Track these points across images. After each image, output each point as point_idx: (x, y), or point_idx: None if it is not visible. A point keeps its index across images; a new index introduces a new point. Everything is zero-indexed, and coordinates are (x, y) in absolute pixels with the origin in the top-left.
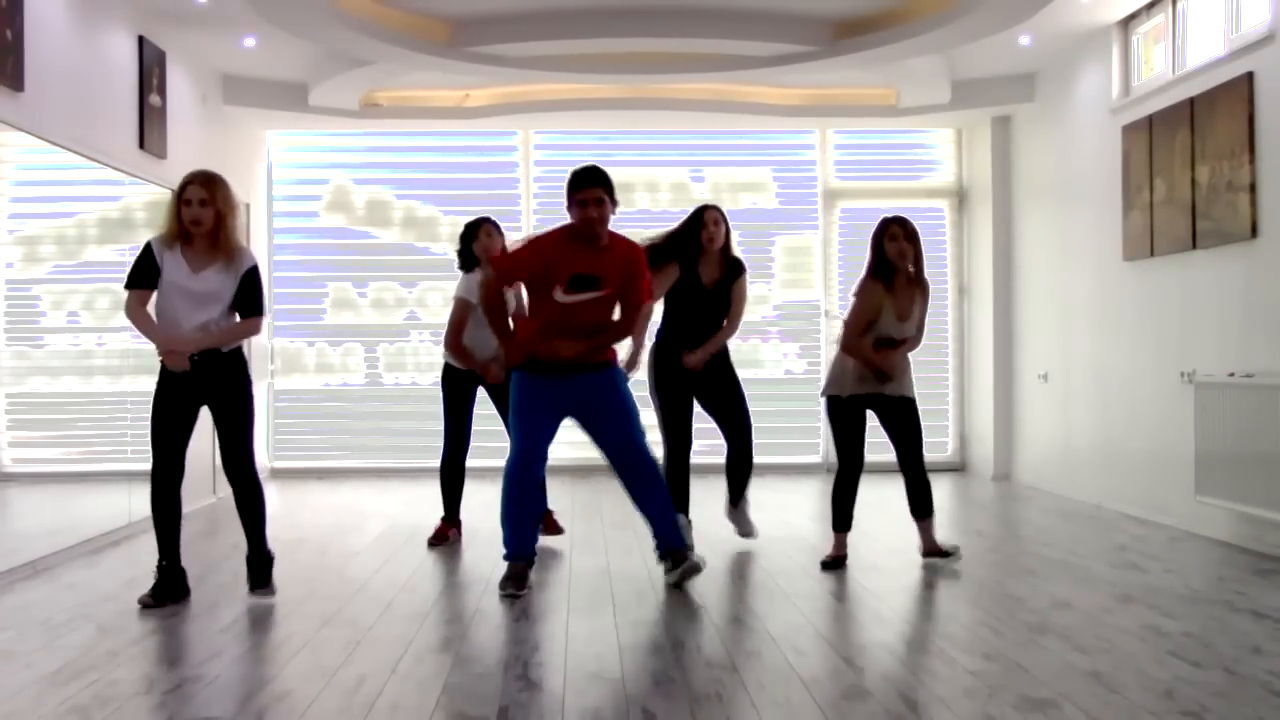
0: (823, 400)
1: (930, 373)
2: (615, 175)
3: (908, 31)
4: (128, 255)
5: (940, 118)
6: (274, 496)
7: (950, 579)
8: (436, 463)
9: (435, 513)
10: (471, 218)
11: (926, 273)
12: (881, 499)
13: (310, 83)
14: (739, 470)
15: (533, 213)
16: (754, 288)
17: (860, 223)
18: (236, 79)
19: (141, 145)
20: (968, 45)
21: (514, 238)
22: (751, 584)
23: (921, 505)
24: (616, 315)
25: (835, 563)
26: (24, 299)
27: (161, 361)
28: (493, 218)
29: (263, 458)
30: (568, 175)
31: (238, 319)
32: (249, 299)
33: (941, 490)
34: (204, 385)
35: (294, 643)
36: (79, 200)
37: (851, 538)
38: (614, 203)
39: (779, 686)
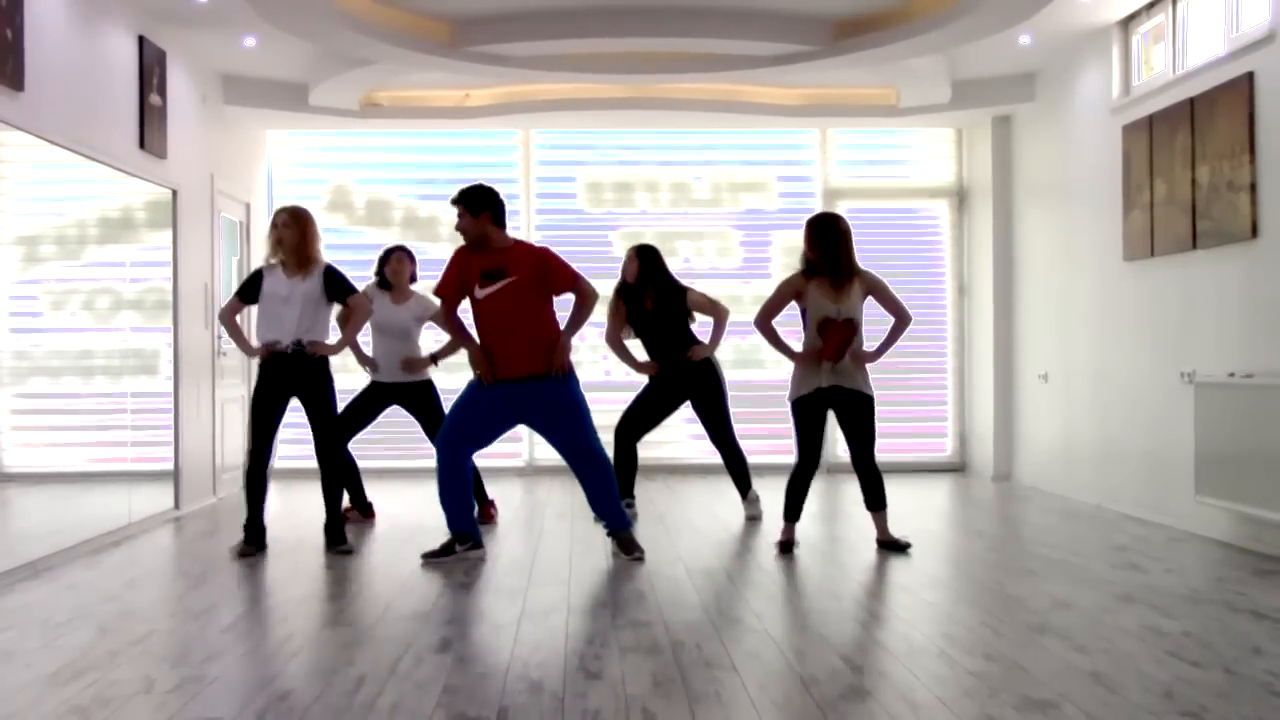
0: (789, 405)
1: (930, 373)
2: (615, 175)
3: (908, 31)
4: (127, 255)
5: (940, 118)
6: (275, 497)
7: (949, 579)
8: (436, 463)
9: (435, 512)
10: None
11: (866, 265)
12: None
13: (310, 83)
14: (735, 469)
15: (534, 212)
16: (754, 286)
17: (861, 223)
18: (236, 79)
19: (141, 145)
20: (968, 45)
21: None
22: (751, 584)
23: (875, 499)
24: (553, 316)
25: (787, 547)
26: (24, 299)
27: (260, 360)
28: (406, 246)
29: None
30: None
31: (333, 315)
32: (336, 287)
33: (941, 490)
34: (295, 381)
35: (294, 643)
36: (79, 200)
37: (852, 538)
38: (474, 215)
39: (779, 686)
